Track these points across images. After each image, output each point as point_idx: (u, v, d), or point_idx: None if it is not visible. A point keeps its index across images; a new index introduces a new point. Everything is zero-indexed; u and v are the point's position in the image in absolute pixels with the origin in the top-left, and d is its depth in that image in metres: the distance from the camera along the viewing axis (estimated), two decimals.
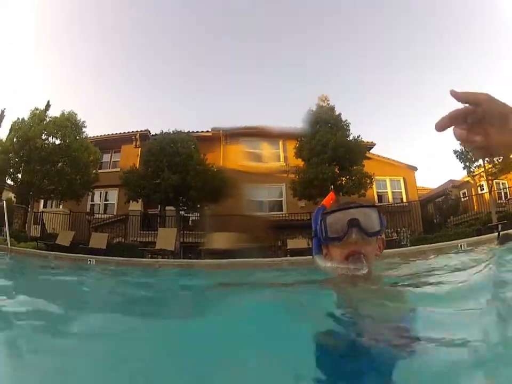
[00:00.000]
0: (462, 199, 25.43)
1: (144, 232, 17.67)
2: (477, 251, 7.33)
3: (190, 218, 19.45)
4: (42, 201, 19.96)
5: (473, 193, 23.33)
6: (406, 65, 48.65)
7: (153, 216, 19.42)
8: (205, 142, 19.24)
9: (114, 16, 46.58)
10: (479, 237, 10.71)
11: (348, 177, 15.11)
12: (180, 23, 47.52)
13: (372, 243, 1.40)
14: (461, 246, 9.11)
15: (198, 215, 18.08)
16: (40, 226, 17.25)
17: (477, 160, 17.18)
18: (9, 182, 16.10)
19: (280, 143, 21.22)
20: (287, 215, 18.65)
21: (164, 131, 16.40)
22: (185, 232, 16.27)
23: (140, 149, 19.84)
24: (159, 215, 18.89)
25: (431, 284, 1.53)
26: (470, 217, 19.68)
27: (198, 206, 16.09)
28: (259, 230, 16.68)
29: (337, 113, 16.42)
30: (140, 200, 16.28)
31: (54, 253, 11.46)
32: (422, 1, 41.10)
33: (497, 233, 6.97)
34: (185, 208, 16.22)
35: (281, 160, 20.92)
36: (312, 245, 1.53)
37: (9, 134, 15.32)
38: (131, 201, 16.06)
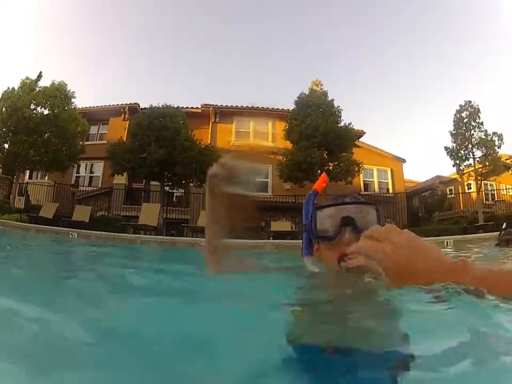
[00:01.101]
0: (448, 196, 25.66)
1: (128, 206, 17.52)
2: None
3: (175, 194, 19.31)
4: (27, 173, 19.68)
5: (460, 191, 23.57)
6: (400, 56, 48.76)
7: (137, 191, 19.25)
8: (194, 118, 19.03)
9: None
10: (466, 236, 10.81)
11: (336, 163, 15.09)
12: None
13: None
14: (447, 243, 9.14)
15: (183, 191, 17.93)
16: (24, 197, 16.97)
17: (468, 159, 17.32)
18: None
19: (270, 123, 21.02)
20: (271, 196, 18.56)
21: (154, 105, 16.09)
22: (169, 208, 16.15)
23: (128, 122, 19.53)
24: (144, 189, 18.75)
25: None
26: (455, 214, 19.91)
27: (183, 182, 15.90)
28: (246, 210, 16.60)
29: (329, 99, 16.30)
30: (125, 173, 16.05)
31: (35, 225, 11.37)
32: None
33: (499, 233, 6.80)
34: (170, 183, 16.06)
35: (269, 141, 20.77)
36: (303, 240, 1.36)
37: None
38: (116, 175, 15.80)
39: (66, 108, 15.38)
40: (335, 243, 1.17)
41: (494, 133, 16.81)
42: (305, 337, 0.95)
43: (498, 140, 16.71)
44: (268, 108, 21.09)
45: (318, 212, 1.24)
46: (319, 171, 14.97)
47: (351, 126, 15.85)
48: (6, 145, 14.95)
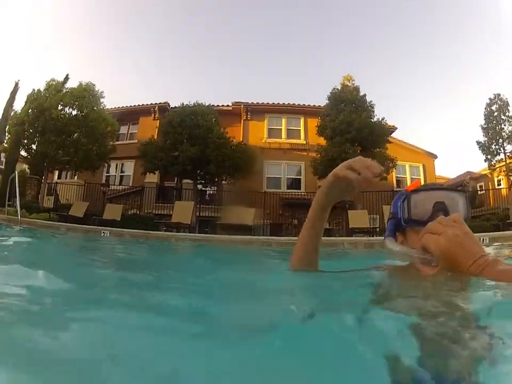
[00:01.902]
0: (479, 192, 25.16)
1: (160, 204, 17.57)
2: None
3: (207, 192, 19.31)
4: (56, 173, 19.98)
5: (491, 187, 23.06)
6: (430, 54, 47.92)
7: (169, 189, 19.33)
8: (225, 116, 18.98)
9: None
10: (503, 232, 10.53)
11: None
12: None
13: None
14: (482, 239, 8.93)
15: (216, 189, 17.93)
16: (53, 197, 17.20)
17: (499, 154, 16.89)
18: (23, 153, 16.11)
19: (302, 120, 20.93)
20: (305, 193, 18.39)
21: (185, 103, 16.12)
22: (201, 206, 16.14)
23: (158, 121, 19.67)
24: (176, 188, 18.82)
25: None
26: (486, 211, 19.43)
27: (216, 180, 15.89)
28: (276, 207, 16.59)
29: (361, 94, 16.08)
30: (157, 172, 16.12)
31: (66, 224, 11.41)
32: None
33: None
34: (203, 181, 16.05)
35: (301, 138, 20.68)
36: (387, 227, 1.34)
37: (24, 105, 15.32)
38: (148, 173, 15.92)
39: (95, 108, 15.59)
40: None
41: None
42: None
43: None
44: (299, 104, 20.92)
45: (412, 195, 1.23)
46: None
47: (384, 120, 15.58)
48: (34, 146, 15.21)
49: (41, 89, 15.45)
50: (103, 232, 10.39)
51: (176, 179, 18.40)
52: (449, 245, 0.90)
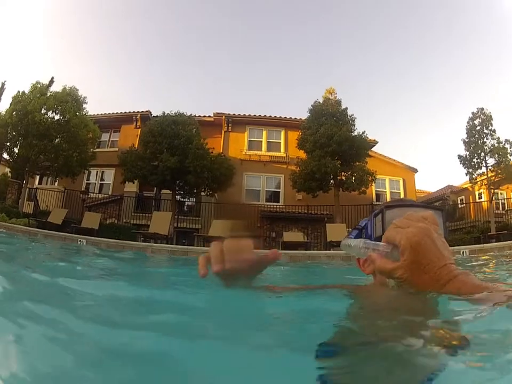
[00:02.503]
0: (459, 205, 25.46)
1: (138, 214, 17.41)
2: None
3: (186, 203, 19.18)
4: (37, 178, 19.71)
5: (471, 201, 23.36)
6: (413, 68, 48.68)
7: (148, 199, 19.18)
8: (206, 126, 19.00)
9: None
10: (483, 245, 10.63)
11: (349, 172, 14.92)
12: (187, 5, 47.33)
13: None
14: (463, 252, 9.01)
15: (194, 200, 17.82)
16: (33, 202, 16.93)
17: (480, 168, 17.10)
18: (5, 156, 15.84)
19: (282, 133, 21.05)
20: (284, 206, 18.39)
21: (166, 112, 16.04)
22: (180, 217, 16.01)
23: (139, 129, 19.52)
24: (155, 198, 18.68)
25: None
26: (466, 224, 19.67)
27: (195, 191, 15.78)
28: (252, 220, 16.51)
29: (343, 107, 16.18)
30: (136, 181, 15.98)
31: (43, 230, 11.21)
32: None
33: None
34: (182, 192, 15.95)
35: (282, 150, 20.76)
36: (350, 235, 1.22)
37: (9, 107, 15.04)
38: (127, 182, 15.77)
39: (77, 114, 15.39)
40: None
41: (507, 140, 16.57)
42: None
43: (510, 147, 16.47)
44: (280, 116, 21.02)
45: (386, 210, 1.09)
46: (332, 181, 14.84)
47: (365, 134, 15.67)
48: (16, 149, 14.99)
49: (26, 91, 15.25)
50: (80, 241, 10.24)
51: (155, 189, 18.26)
52: (420, 237, 0.77)
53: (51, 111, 15.09)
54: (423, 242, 0.77)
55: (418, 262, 0.76)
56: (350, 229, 1.24)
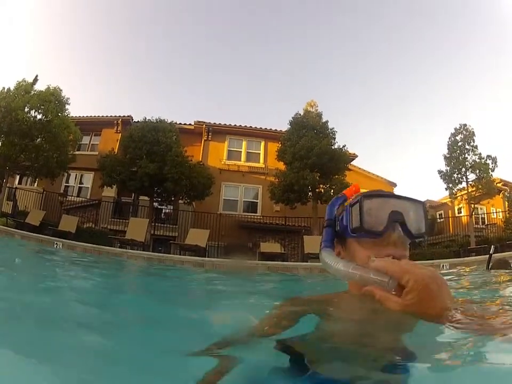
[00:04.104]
0: (438, 220, 25.75)
1: (116, 219, 17.29)
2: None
3: (163, 211, 19.10)
4: (17, 177, 19.43)
5: (450, 215, 23.64)
6: (393, 81, 49.32)
7: (126, 204, 19.03)
8: (186, 134, 19.07)
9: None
10: (463, 259, 10.79)
11: (328, 185, 15.00)
12: (169, 13, 47.35)
13: (407, 249, 1.06)
14: (443, 266, 9.13)
15: (172, 208, 17.74)
16: (12, 202, 16.69)
17: (461, 183, 17.32)
18: None
19: (262, 144, 21.19)
20: (261, 217, 18.43)
21: (147, 118, 16.00)
22: (157, 224, 15.93)
23: (120, 134, 19.44)
24: (132, 204, 18.55)
25: None
26: (445, 238, 19.89)
27: (173, 198, 15.73)
28: (232, 230, 16.57)
29: (324, 120, 16.31)
30: (115, 186, 15.89)
31: (21, 231, 11.12)
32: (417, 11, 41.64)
33: (488, 256, 6.65)
34: (160, 199, 15.87)
35: (261, 161, 20.89)
36: (323, 237, 1.14)
37: None
38: (105, 187, 15.69)
39: (59, 114, 15.19)
40: (376, 242, 1.01)
41: (488, 156, 16.83)
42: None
43: (492, 163, 16.73)
44: (261, 128, 21.10)
45: (364, 200, 1.03)
46: (311, 193, 14.91)
47: (345, 148, 15.81)
48: None
49: (11, 88, 15.01)
50: (56, 244, 10.15)
51: (133, 195, 18.16)
52: (429, 282, 0.75)
53: (34, 110, 14.88)
54: (431, 287, 0.75)
55: (420, 305, 0.75)
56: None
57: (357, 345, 0.91)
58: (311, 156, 14.67)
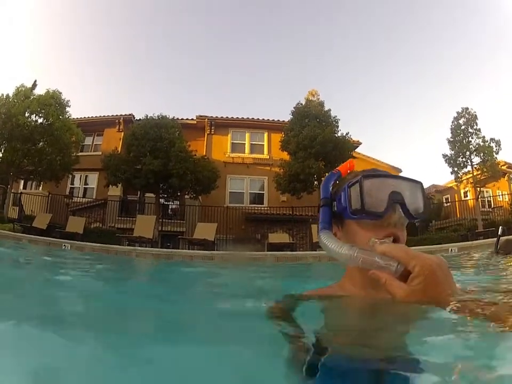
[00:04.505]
0: (445, 204, 25.66)
1: (123, 218, 17.31)
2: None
3: (170, 207, 19.13)
4: (22, 182, 19.49)
5: (457, 199, 23.56)
6: (397, 67, 49.09)
7: (132, 202, 19.06)
8: (189, 129, 19.03)
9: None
10: (471, 242, 10.76)
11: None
12: (168, 10, 47.22)
13: (404, 230, 1.04)
14: (451, 250, 9.10)
15: (178, 203, 17.75)
16: (18, 207, 16.72)
17: (466, 166, 17.25)
18: None
19: (265, 135, 21.16)
20: (267, 208, 18.42)
21: (149, 116, 15.96)
22: (164, 220, 15.95)
23: (123, 133, 19.45)
24: (139, 201, 18.58)
25: None
26: (452, 222, 19.82)
27: (179, 193, 15.73)
28: (239, 222, 16.58)
29: (326, 109, 16.25)
30: (120, 185, 15.93)
31: (28, 235, 11.10)
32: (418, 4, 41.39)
33: (497, 238, 6.56)
34: (166, 195, 15.87)
35: (265, 152, 20.88)
36: (319, 217, 1.10)
37: None
38: (111, 186, 15.74)
39: (60, 117, 15.27)
40: (376, 223, 0.99)
41: (492, 139, 16.74)
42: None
43: (496, 146, 16.64)
44: (263, 119, 21.09)
45: (364, 180, 1.00)
46: (316, 182, 14.88)
47: (349, 135, 15.76)
48: (0, 154, 14.81)
49: (10, 94, 15.09)
50: (64, 245, 10.18)
51: (139, 193, 18.19)
52: (436, 268, 0.76)
53: (34, 115, 14.94)
54: (437, 273, 0.76)
55: (426, 291, 0.76)
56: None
57: (358, 344, 0.89)
58: (315, 145, 14.64)
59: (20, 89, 15.27)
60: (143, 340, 1.06)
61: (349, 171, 1.19)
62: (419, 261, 0.77)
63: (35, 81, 16.09)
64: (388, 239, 0.96)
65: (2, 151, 14.69)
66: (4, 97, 14.90)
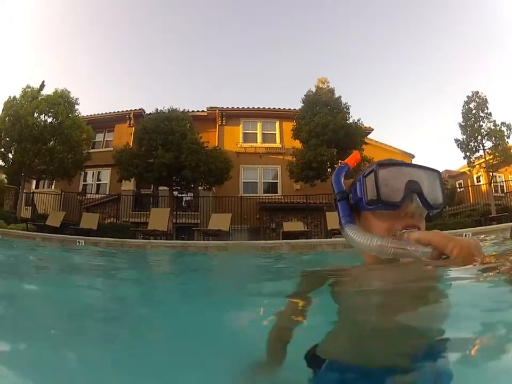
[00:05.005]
0: (458, 190, 25.43)
1: (137, 212, 17.37)
2: None
3: (184, 199, 19.16)
4: (34, 182, 19.67)
5: (470, 184, 23.36)
6: (407, 53, 48.63)
7: (146, 196, 19.13)
8: (200, 121, 19.03)
9: None
10: (485, 227, 10.67)
11: None
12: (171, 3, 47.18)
13: (423, 221, 1.02)
14: (465, 235, 9.01)
15: (192, 195, 17.78)
16: (31, 207, 16.87)
17: (478, 151, 17.07)
18: (0, 162, 15.78)
19: (277, 124, 21.07)
20: (282, 197, 18.39)
21: (159, 109, 15.96)
22: (178, 212, 15.99)
23: (133, 128, 19.49)
24: (152, 195, 18.65)
25: None
26: (466, 208, 19.62)
27: (192, 186, 15.74)
28: (254, 212, 16.58)
29: (336, 96, 16.12)
30: (133, 179, 15.99)
31: (41, 234, 11.17)
32: None
33: (511, 225, 6.52)
34: (179, 188, 15.89)
35: (277, 141, 20.80)
36: (339, 212, 1.07)
37: (1, 112, 14.94)
38: (123, 181, 15.84)
39: (70, 115, 15.31)
40: (393, 214, 0.97)
41: (503, 123, 16.53)
42: (346, 354, 0.82)
43: (507, 130, 16.44)
44: (274, 108, 20.99)
45: (379, 170, 0.98)
46: (330, 169, 14.81)
47: (360, 122, 15.64)
48: (10, 155, 14.91)
49: (17, 96, 15.18)
50: (78, 242, 10.23)
51: (152, 186, 18.24)
52: (473, 249, 0.79)
53: (43, 115, 15.01)
54: (475, 254, 0.79)
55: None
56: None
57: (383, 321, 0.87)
58: (327, 132, 14.55)
59: (26, 90, 15.36)
60: None
61: (356, 163, 1.20)
62: (457, 243, 0.79)
63: (43, 81, 16.18)
64: (413, 229, 0.94)
65: (13, 152, 14.78)
66: (11, 99, 15.01)
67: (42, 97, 15.35)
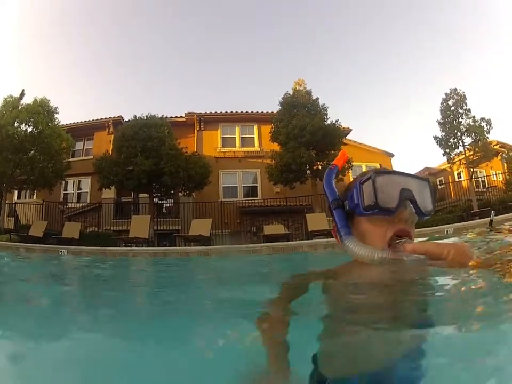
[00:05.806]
0: (439, 187, 25.69)
1: (118, 220, 17.30)
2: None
3: (164, 205, 19.13)
4: (16, 192, 19.46)
5: (451, 181, 23.60)
6: (385, 51, 49.08)
7: (126, 204, 19.03)
8: (179, 127, 19.00)
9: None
10: (467, 223, 10.79)
11: (325, 161, 14.98)
12: (154, 7, 46.96)
13: (413, 227, 1.08)
14: (447, 231, 9.11)
15: (172, 201, 17.75)
16: (14, 218, 16.68)
17: (457, 147, 17.27)
18: None
19: (255, 127, 21.16)
20: (262, 200, 18.48)
21: (138, 116, 15.94)
22: (159, 219, 15.96)
23: (112, 135, 19.39)
24: (133, 202, 18.56)
25: None
26: (447, 204, 19.83)
27: (172, 192, 15.73)
28: (234, 216, 16.61)
29: (314, 97, 16.25)
30: (113, 187, 15.94)
31: (24, 244, 11.09)
32: None
33: (489, 220, 6.84)
34: (159, 194, 15.87)
35: (256, 145, 20.89)
36: (336, 221, 1.12)
37: None
38: (104, 189, 15.77)
39: (49, 124, 15.22)
40: (388, 220, 1.02)
41: (482, 119, 16.76)
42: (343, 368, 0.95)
43: (487, 125, 16.67)
44: (252, 111, 21.05)
45: (376, 177, 1.03)
46: (309, 171, 14.91)
47: (338, 123, 15.77)
48: None
49: None
50: (61, 251, 10.15)
51: (132, 194, 18.18)
52: (467, 250, 0.91)
53: (24, 124, 14.89)
54: (469, 254, 0.91)
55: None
56: (330, 217, 1.16)
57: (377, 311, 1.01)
58: (305, 134, 14.65)
59: (7, 99, 15.20)
60: None
61: (344, 162, 1.27)
62: (451, 246, 0.89)
63: (23, 90, 16.01)
64: (406, 238, 1.01)
65: None
66: None
67: (23, 106, 15.21)
